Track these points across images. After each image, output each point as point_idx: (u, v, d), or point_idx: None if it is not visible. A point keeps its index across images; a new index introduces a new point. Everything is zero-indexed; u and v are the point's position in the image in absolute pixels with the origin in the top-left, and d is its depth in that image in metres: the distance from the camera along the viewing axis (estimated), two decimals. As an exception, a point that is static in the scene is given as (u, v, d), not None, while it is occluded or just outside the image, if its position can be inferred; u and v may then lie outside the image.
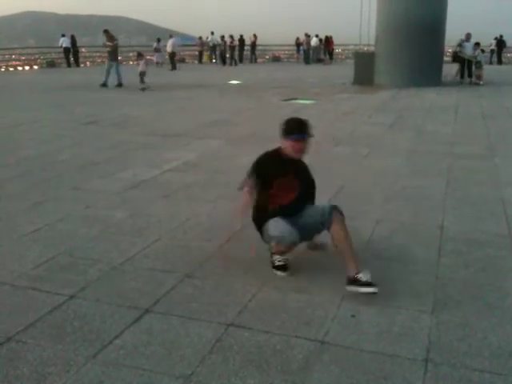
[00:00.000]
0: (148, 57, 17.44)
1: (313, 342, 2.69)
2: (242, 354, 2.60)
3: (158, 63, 29.62)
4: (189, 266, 3.60)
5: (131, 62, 32.48)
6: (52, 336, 2.76)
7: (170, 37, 27.99)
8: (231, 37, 30.52)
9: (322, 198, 5.14)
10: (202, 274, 3.49)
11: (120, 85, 16.64)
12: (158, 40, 30.44)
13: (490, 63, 25.54)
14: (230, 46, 30.39)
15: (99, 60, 30.64)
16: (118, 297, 3.17)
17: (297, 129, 3.42)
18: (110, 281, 3.40)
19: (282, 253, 3.44)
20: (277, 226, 3.29)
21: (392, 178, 5.89)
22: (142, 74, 15.93)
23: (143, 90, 15.57)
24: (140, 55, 17.06)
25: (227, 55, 30.67)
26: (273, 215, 3.36)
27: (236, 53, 30.99)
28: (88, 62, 31.46)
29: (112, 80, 16.48)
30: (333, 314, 2.97)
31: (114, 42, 16.77)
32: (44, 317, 2.95)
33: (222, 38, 31.13)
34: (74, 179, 5.97)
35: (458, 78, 17.66)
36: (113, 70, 16.45)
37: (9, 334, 2.77)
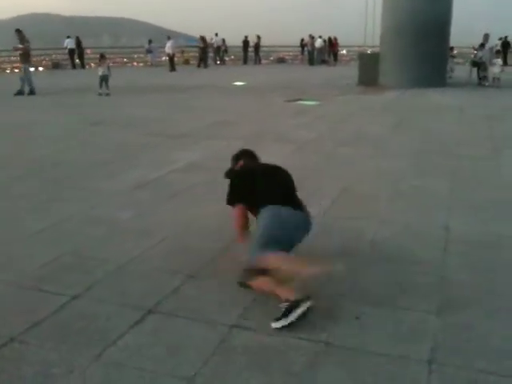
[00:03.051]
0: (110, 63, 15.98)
1: (317, 344, 2.68)
2: (246, 355, 2.58)
3: (152, 64, 29.72)
4: (193, 266, 3.59)
5: (135, 63, 32.72)
6: (56, 336, 2.75)
7: (168, 38, 27.92)
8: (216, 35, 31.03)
9: (326, 199, 5.18)
10: (206, 274, 3.48)
11: (21, 93, 14.80)
12: (150, 41, 30.54)
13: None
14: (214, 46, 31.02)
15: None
16: (122, 297, 3.17)
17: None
18: (115, 281, 3.40)
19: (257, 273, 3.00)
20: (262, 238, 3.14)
21: (397, 179, 5.86)
22: (103, 79, 14.77)
23: (101, 95, 14.59)
24: (103, 57, 15.75)
25: (210, 55, 30.94)
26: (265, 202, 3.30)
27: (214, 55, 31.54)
28: (93, 64, 31.54)
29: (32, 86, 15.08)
30: (337, 315, 2.96)
31: (26, 44, 14.99)
32: (48, 317, 2.94)
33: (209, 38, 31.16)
34: (81, 179, 5.98)
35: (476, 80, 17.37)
36: (26, 76, 14.94)
37: (12, 334, 2.77)
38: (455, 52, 20.30)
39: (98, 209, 4.94)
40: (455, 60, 18.24)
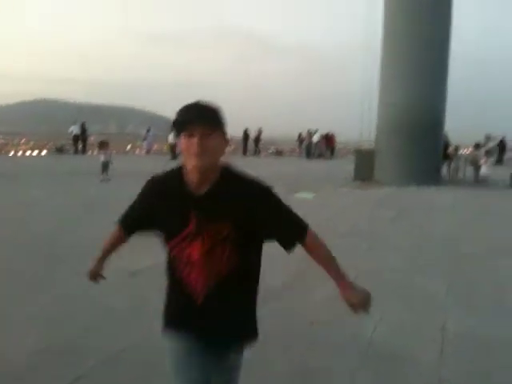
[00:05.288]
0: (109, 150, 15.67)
1: None
2: None
3: (147, 151, 30.50)
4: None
5: (138, 150, 33.53)
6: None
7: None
8: None
9: (319, 293, 5.15)
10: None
11: None
12: (148, 130, 31.66)
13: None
14: None
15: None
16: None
17: (187, 114, 1.88)
18: (105, 372, 3.32)
19: None
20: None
21: (393, 275, 5.87)
22: (105, 165, 15.03)
23: (103, 181, 14.71)
24: (104, 144, 15.89)
25: None
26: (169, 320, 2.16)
27: None
28: (96, 150, 32.48)
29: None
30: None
31: None
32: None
33: None
34: (76, 261, 5.96)
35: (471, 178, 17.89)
36: None
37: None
38: (461, 151, 20.87)
39: (91, 293, 4.89)
40: (460, 159, 18.80)
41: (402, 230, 8.82)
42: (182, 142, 1.88)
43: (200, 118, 1.86)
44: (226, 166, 1.99)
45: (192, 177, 1.92)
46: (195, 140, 1.84)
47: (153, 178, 2.09)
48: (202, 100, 1.92)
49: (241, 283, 2.01)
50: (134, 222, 2.19)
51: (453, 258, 6.79)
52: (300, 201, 12.17)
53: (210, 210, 1.91)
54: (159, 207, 2.02)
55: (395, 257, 6.78)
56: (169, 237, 2.02)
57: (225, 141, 1.96)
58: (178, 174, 1.98)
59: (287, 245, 1.99)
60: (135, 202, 2.16)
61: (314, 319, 4.40)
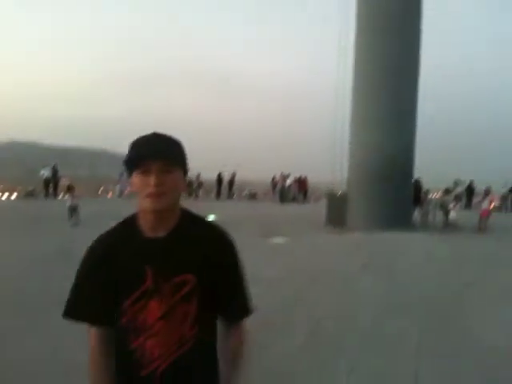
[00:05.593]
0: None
1: None
2: None
3: (120, 195, 30.33)
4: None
5: (110, 193, 33.22)
6: None
7: None
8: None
9: (296, 337, 5.07)
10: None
11: None
12: (121, 173, 31.59)
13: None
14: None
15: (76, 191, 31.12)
16: None
17: (142, 148, 1.61)
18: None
19: None
20: None
21: (365, 321, 5.84)
22: (72, 209, 14.77)
23: (73, 226, 14.30)
24: (70, 189, 15.74)
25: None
26: None
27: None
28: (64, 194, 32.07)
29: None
30: None
31: None
32: None
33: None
34: (40, 317, 5.78)
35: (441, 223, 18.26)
36: None
37: None
38: (431, 196, 21.25)
39: (60, 351, 4.73)
40: (430, 204, 19.18)
41: (373, 277, 8.83)
42: (136, 180, 1.59)
43: (158, 152, 1.58)
44: (185, 209, 1.73)
45: (147, 222, 1.64)
46: (152, 178, 1.56)
47: (93, 244, 1.72)
48: (159, 132, 1.64)
49: (207, 351, 1.69)
50: (100, 311, 1.67)
51: (423, 305, 6.80)
52: (272, 246, 12.15)
53: (169, 261, 1.61)
54: (111, 274, 1.65)
55: (366, 303, 6.76)
56: (120, 299, 1.63)
57: (184, 179, 1.68)
58: (130, 222, 1.69)
59: (226, 316, 1.72)
60: (83, 286, 1.69)
61: (280, 371, 4.32)
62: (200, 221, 1.74)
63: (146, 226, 1.64)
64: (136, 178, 1.59)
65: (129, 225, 1.68)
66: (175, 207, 1.66)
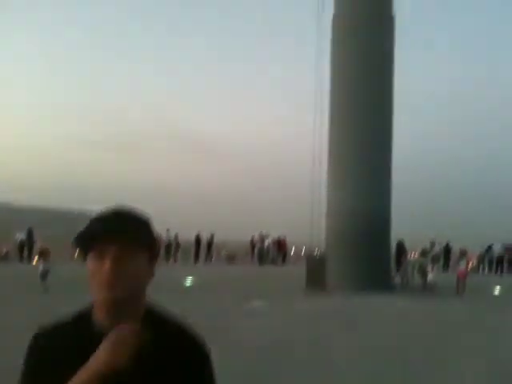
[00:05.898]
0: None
1: None
2: None
3: None
4: None
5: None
6: None
7: None
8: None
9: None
10: None
11: None
12: None
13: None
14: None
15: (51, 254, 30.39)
16: None
17: (96, 226, 1.34)
18: None
19: None
20: None
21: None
22: (44, 274, 14.41)
23: (45, 291, 13.96)
24: (42, 253, 15.46)
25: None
26: None
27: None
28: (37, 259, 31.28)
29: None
30: None
31: None
32: None
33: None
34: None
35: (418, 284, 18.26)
36: None
37: None
38: (409, 256, 21.29)
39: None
40: (408, 265, 19.23)
41: (351, 343, 8.71)
42: (89, 265, 1.30)
43: (114, 232, 1.28)
44: (152, 305, 1.39)
45: (101, 315, 1.31)
46: (106, 263, 1.26)
47: (36, 335, 1.37)
48: (122, 206, 1.36)
49: None
50: None
51: (401, 372, 6.70)
52: (249, 312, 11.93)
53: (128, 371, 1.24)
54: (56, 375, 1.28)
55: (346, 371, 6.62)
56: None
57: (151, 264, 1.35)
58: (83, 313, 1.37)
59: None
60: None
61: None
62: (170, 321, 1.40)
63: (100, 320, 1.32)
64: (89, 262, 1.30)
65: (82, 316, 1.37)
66: (137, 300, 1.33)
